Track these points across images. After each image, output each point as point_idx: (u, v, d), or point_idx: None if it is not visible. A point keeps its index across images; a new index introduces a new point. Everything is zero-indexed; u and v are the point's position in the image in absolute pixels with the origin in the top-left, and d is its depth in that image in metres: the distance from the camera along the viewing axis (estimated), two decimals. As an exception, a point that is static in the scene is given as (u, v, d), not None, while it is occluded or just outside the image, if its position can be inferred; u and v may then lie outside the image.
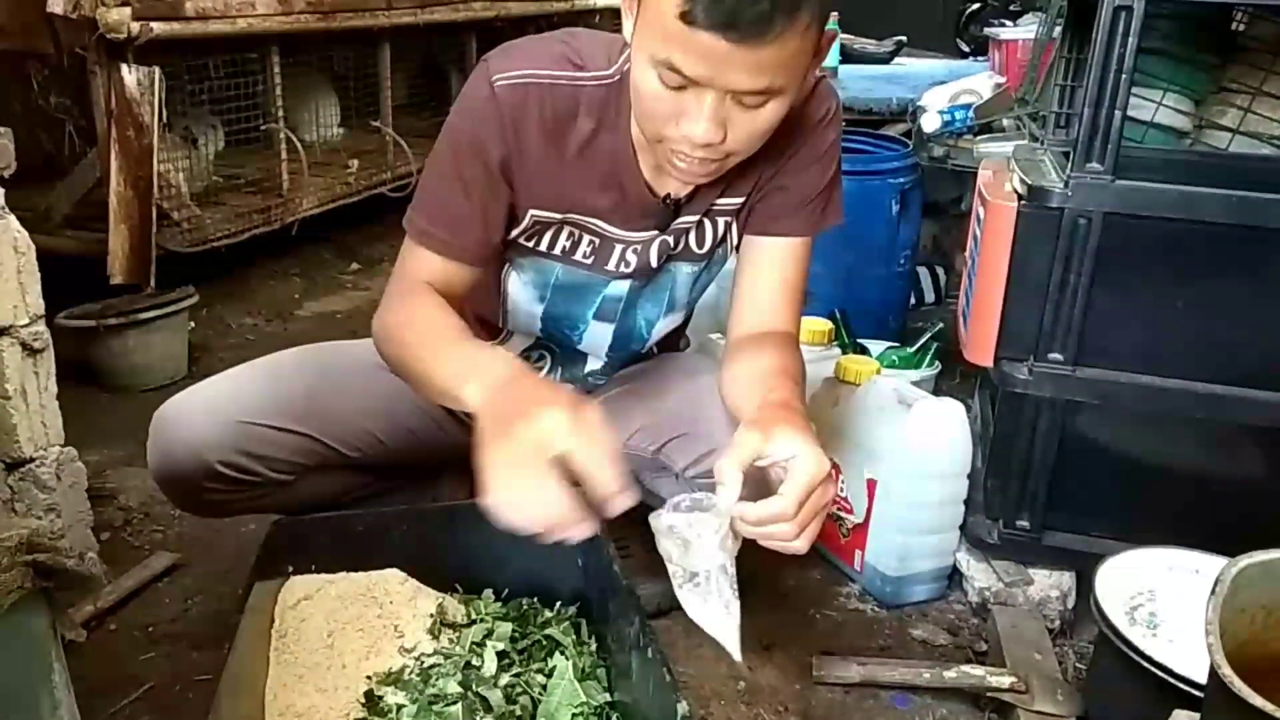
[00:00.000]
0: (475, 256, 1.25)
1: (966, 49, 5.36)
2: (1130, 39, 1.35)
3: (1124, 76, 1.37)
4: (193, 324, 2.61)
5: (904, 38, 5.07)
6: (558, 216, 1.29)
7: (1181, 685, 1.17)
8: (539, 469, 0.93)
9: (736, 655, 1.06)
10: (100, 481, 1.91)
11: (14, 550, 0.75)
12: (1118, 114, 1.38)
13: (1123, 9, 1.34)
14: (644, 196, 1.28)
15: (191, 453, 1.30)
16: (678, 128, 1.06)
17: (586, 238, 1.33)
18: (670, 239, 1.36)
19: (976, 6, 5.43)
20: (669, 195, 1.30)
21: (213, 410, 1.32)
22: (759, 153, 1.27)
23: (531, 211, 1.27)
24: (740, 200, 1.34)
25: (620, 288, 1.39)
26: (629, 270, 1.37)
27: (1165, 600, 1.38)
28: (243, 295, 3.09)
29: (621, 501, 0.95)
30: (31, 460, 1.52)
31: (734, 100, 1.03)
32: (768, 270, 1.36)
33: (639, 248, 1.35)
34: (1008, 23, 3.98)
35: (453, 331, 1.16)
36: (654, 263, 1.37)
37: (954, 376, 2.33)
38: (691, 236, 1.37)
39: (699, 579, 1.04)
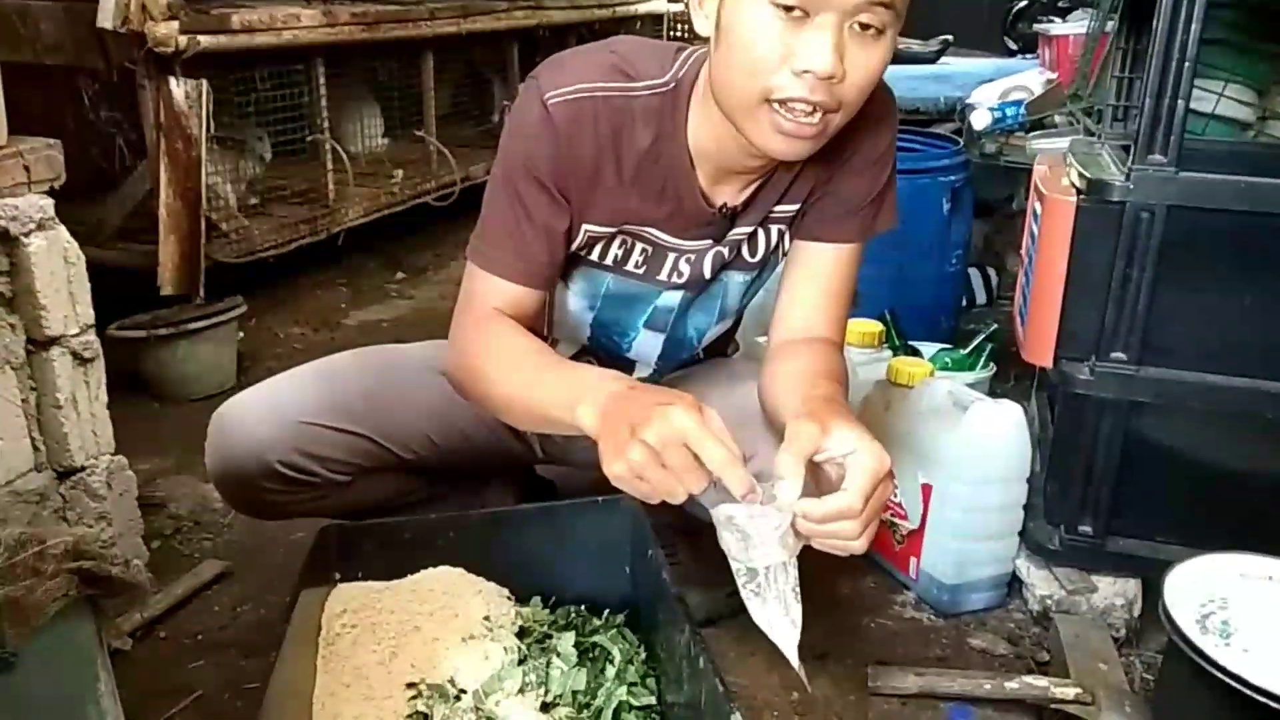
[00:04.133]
0: (542, 279, 1.24)
1: (1014, 47, 5.28)
2: (1193, 25, 1.30)
3: (1186, 65, 1.32)
4: (241, 334, 2.63)
5: (950, 37, 5.01)
6: (612, 230, 1.27)
7: (1258, 697, 1.12)
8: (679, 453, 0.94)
9: (794, 661, 1.02)
10: (150, 490, 1.92)
11: (60, 558, 0.75)
12: (1180, 103, 1.34)
13: (1185, -5, 1.30)
14: (700, 207, 1.26)
15: (251, 453, 1.30)
16: (793, 65, 1.03)
17: (639, 246, 1.31)
18: (725, 250, 1.33)
19: (1024, 4, 5.35)
20: (725, 205, 1.27)
21: (272, 410, 1.33)
22: (817, 155, 1.24)
23: (586, 227, 1.26)
24: (796, 207, 1.31)
25: (672, 298, 1.37)
26: (681, 281, 1.35)
27: (1238, 608, 1.32)
28: (290, 305, 3.11)
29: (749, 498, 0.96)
30: (83, 469, 1.53)
31: (850, 33, 1.02)
32: (815, 277, 1.33)
33: (692, 258, 1.32)
34: (1056, 19, 3.91)
35: (542, 357, 1.17)
36: (708, 274, 1.35)
37: (1008, 379, 2.28)
38: (745, 246, 1.35)
39: (759, 577, 1.00)
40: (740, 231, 1.31)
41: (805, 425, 1.01)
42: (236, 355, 2.56)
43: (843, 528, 0.97)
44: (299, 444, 1.32)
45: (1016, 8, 5.36)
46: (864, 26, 1.02)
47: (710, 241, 1.31)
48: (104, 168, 2.72)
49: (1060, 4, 4.79)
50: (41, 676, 0.77)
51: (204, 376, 2.45)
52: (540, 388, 1.12)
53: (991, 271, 3.16)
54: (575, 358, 1.46)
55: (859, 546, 0.99)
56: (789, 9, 1.01)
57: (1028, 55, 4.74)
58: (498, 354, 1.19)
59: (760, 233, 1.33)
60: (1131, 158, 1.38)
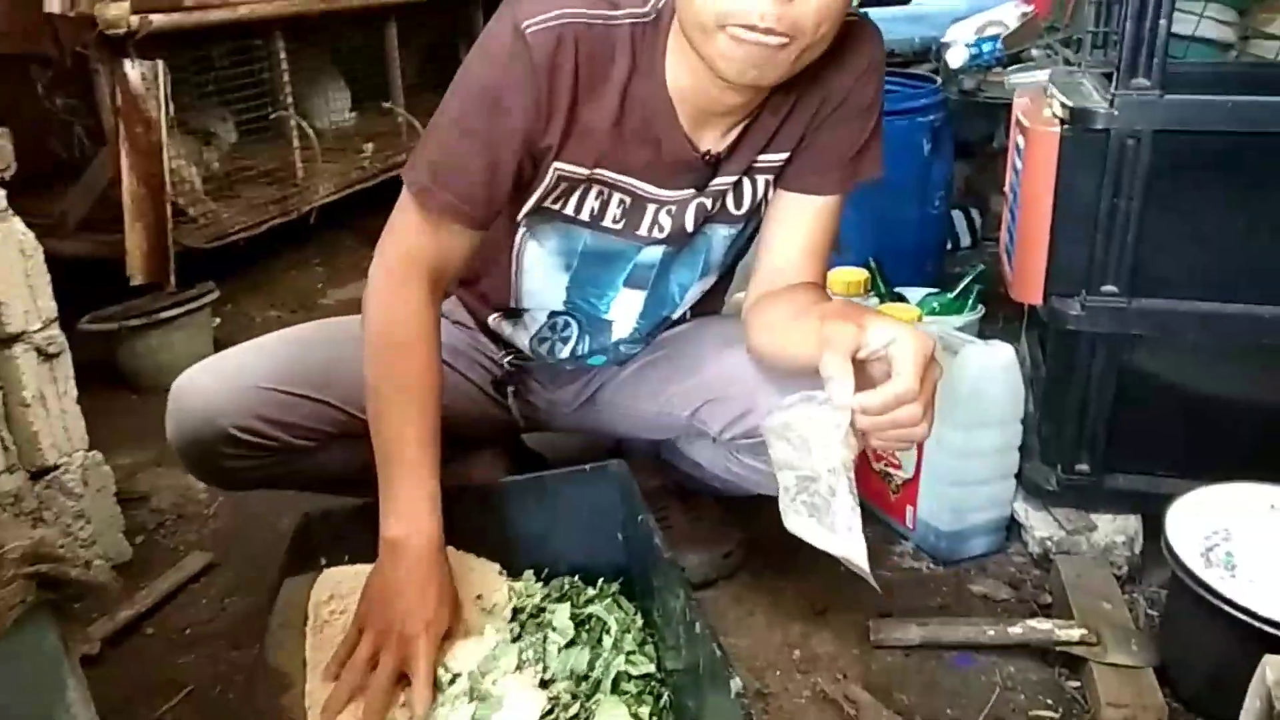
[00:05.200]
0: (481, 220, 1.18)
1: (987, -17, 5.20)
2: (1174, -59, 1.25)
3: (1168, -18, 1.27)
4: (217, 320, 2.57)
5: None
6: (584, 172, 1.20)
7: (1267, 628, 1.10)
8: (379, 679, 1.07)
9: (865, 567, 1.00)
10: (131, 485, 1.88)
11: (17, 562, 0.71)
12: (1163, 24, 1.29)
13: (1164, -90, 1.25)
14: (682, 150, 1.20)
15: (206, 418, 1.26)
16: None
17: (616, 197, 1.25)
18: (708, 201, 1.28)
19: (995, -62, 5.27)
20: (709, 151, 1.22)
21: (229, 376, 1.30)
22: (803, 101, 1.19)
23: (556, 166, 1.18)
24: (784, 156, 1.26)
25: (653, 254, 1.32)
26: (662, 235, 1.30)
27: (1241, 539, 1.30)
28: (265, 288, 3.05)
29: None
30: (56, 468, 1.49)
31: None
32: (797, 228, 1.28)
33: (673, 209, 1.27)
34: (1028, -48, 3.85)
35: (424, 430, 1.14)
36: (690, 227, 1.30)
37: (996, 320, 2.24)
38: (730, 197, 1.30)
39: (815, 486, 0.96)
40: (724, 181, 1.26)
41: (840, 325, 0.99)
42: (212, 342, 2.51)
43: (905, 414, 0.95)
44: (257, 409, 1.27)
45: (988, -58, 5.28)
46: None
47: (692, 191, 1.26)
48: (64, 157, 2.65)
49: (1032, -63, 4.72)
50: (3, 688, 0.74)
51: (180, 365, 2.33)
52: (393, 456, 1.14)
53: (975, 212, 3.12)
54: (553, 317, 1.42)
55: (923, 432, 0.97)
56: None
57: (1002, -9, 4.67)
58: (396, 379, 1.16)
59: (746, 183, 1.29)
60: (1114, 83, 1.34)
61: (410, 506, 1.13)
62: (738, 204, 1.31)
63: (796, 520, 1.00)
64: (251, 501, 1.74)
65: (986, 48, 2.57)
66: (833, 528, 0.98)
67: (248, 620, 1.50)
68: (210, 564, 1.66)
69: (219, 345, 2.51)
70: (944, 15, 3.54)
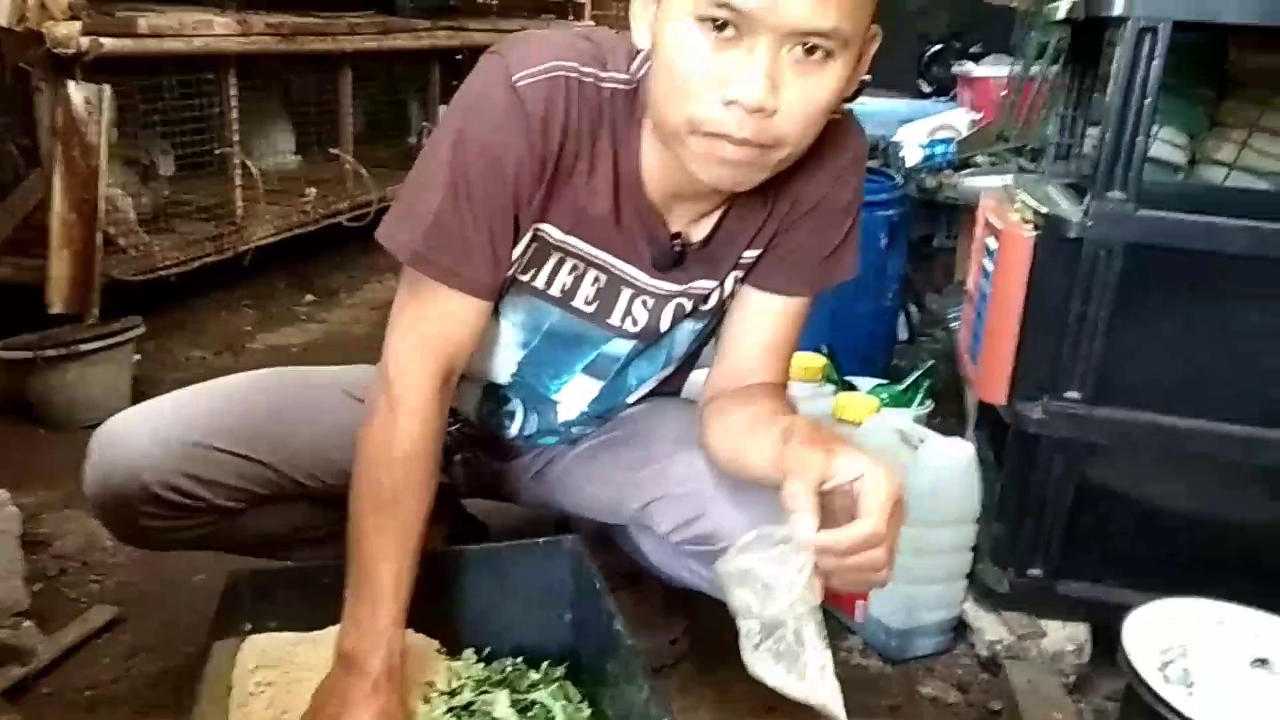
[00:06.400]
0: (484, 286, 1.10)
1: (927, 89, 5.41)
2: (1155, 62, 1.29)
3: (1148, 101, 1.31)
4: (138, 356, 2.45)
5: (867, 77, 5.09)
6: (560, 237, 1.14)
7: (1231, 752, 1.09)
8: None
9: (841, 714, 0.92)
10: (34, 527, 1.75)
11: (-69, 618, 0.62)
12: (1140, 140, 1.32)
13: (1148, 30, 1.28)
14: (653, 228, 1.14)
15: (129, 473, 1.17)
16: (722, 94, 0.92)
17: (591, 274, 1.19)
18: (687, 302, 1.23)
19: (938, 48, 5.49)
20: (680, 236, 1.16)
21: (156, 428, 1.20)
22: (781, 198, 1.15)
23: (537, 226, 1.12)
24: (756, 253, 1.20)
25: (620, 347, 1.26)
26: (634, 330, 1.23)
27: (1198, 656, 1.29)
28: (192, 327, 2.93)
29: None
30: (-43, 505, 1.37)
31: (790, 57, 0.91)
32: (760, 327, 1.22)
33: (649, 301, 1.21)
34: (970, 63, 4.00)
35: (403, 557, 1.07)
36: (664, 327, 1.24)
37: (940, 415, 2.26)
38: (714, 298, 1.24)
39: (781, 632, 0.89)
40: (705, 285, 1.21)
41: (808, 453, 0.91)
42: (132, 380, 2.38)
43: (869, 558, 0.87)
44: (183, 467, 1.18)
45: (930, 52, 5.50)
46: (807, 52, 0.91)
47: (672, 286, 1.20)
48: (-8, 175, 2.52)
49: (972, 50, 4.93)
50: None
51: (96, 402, 2.27)
52: (365, 564, 1.06)
53: (913, 308, 3.17)
54: (491, 394, 1.35)
55: (884, 577, 0.90)
56: (718, 25, 0.90)
57: (940, 98, 4.85)
58: (383, 496, 1.08)
59: (729, 282, 1.23)
60: (1090, 195, 1.36)
61: (373, 626, 1.05)
62: (706, 300, 1.25)
63: (762, 666, 0.93)
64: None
65: (939, 150, 2.63)
66: (803, 675, 0.92)
67: (156, 684, 1.39)
68: (116, 618, 1.54)
69: (138, 383, 2.41)
70: (887, 114, 3.64)
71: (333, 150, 3.49)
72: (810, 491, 0.88)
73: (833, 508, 0.90)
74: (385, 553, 1.07)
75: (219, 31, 2.70)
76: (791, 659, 0.90)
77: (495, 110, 1.04)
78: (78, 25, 2.22)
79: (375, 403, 1.11)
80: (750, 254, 1.20)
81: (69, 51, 2.22)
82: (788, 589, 0.87)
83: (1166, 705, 1.16)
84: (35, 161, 2.39)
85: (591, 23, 5.36)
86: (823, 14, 0.89)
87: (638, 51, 1.07)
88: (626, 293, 1.21)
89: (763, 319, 1.22)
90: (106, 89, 2.34)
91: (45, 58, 2.24)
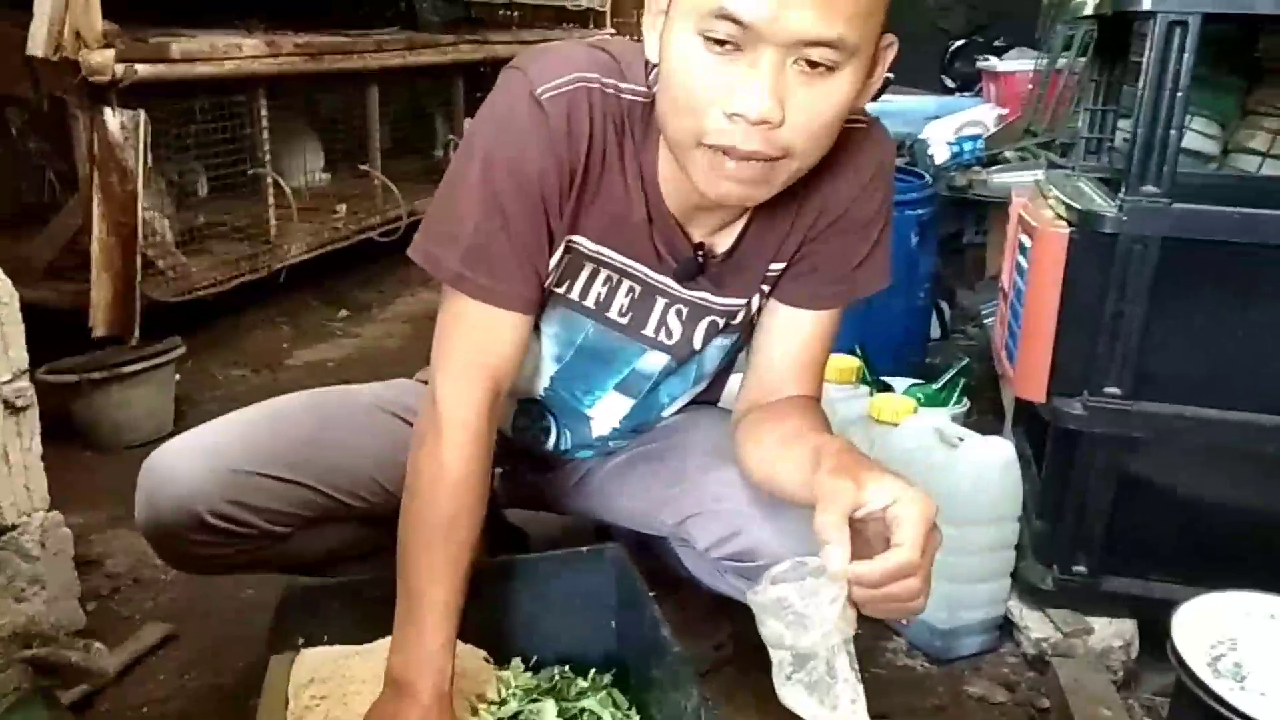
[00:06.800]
0: (524, 300, 1.10)
1: (951, 85, 5.38)
2: (1186, 55, 1.29)
3: (1180, 94, 1.30)
4: (178, 376, 2.49)
5: (890, 75, 5.08)
6: (592, 247, 1.15)
7: (1284, 745, 1.08)
8: None
9: None
10: (85, 547, 1.78)
11: (7, 643, 0.64)
12: (1173, 133, 1.32)
13: (1177, 24, 1.28)
14: (674, 238, 1.15)
15: (180, 503, 1.18)
16: (726, 106, 0.91)
17: (625, 285, 1.19)
18: (720, 320, 1.23)
19: (961, 44, 5.46)
20: (703, 245, 1.16)
21: (203, 458, 1.21)
22: (804, 210, 1.15)
23: (570, 238, 1.13)
24: (781, 266, 1.19)
25: (653, 365, 1.26)
26: (669, 343, 1.24)
27: (1248, 649, 1.28)
28: (229, 345, 2.97)
29: None
30: (14, 528, 1.40)
31: (795, 68, 0.90)
32: (790, 341, 1.21)
33: (684, 311, 1.22)
34: (994, 58, 3.98)
35: (453, 583, 1.08)
36: (697, 345, 1.25)
37: (972, 414, 2.25)
38: (742, 313, 1.24)
39: (813, 664, 0.88)
40: (734, 302, 1.21)
41: (838, 482, 0.90)
42: (174, 399, 2.42)
43: (904, 587, 0.85)
44: (232, 494, 1.20)
45: (954, 47, 5.47)
46: (811, 64, 0.89)
47: (701, 295, 1.20)
48: (33, 202, 2.57)
49: (996, 44, 4.91)
50: (-15, 783, 0.66)
51: (139, 422, 2.31)
52: (414, 591, 1.07)
53: (945, 305, 3.16)
54: (524, 409, 1.36)
55: (920, 605, 0.88)
56: (720, 42, 0.89)
57: (965, 93, 4.83)
58: (434, 525, 1.08)
59: (757, 297, 1.23)
60: (1124, 189, 1.35)
61: (421, 652, 1.06)
62: (734, 315, 1.25)
63: (794, 697, 0.92)
64: (214, 570, 1.65)
65: (967, 146, 2.62)
66: (835, 706, 0.90)
67: (210, 698, 1.41)
68: (169, 635, 1.57)
69: (180, 403, 2.44)
70: (914, 113, 3.64)
71: (362, 166, 3.53)
72: (841, 521, 0.87)
73: (866, 535, 0.89)
74: (435, 577, 1.07)
75: (249, 54, 2.73)
76: (824, 690, 0.89)
77: (520, 124, 1.05)
78: (112, 53, 2.26)
79: (424, 428, 1.11)
80: (776, 267, 1.20)
81: (104, 79, 2.26)
82: (820, 621, 0.86)
83: (1218, 699, 1.15)
84: (73, 188, 2.44)
85: (613, 31, 5.37)
86: (828, 24, 0.87)
87: (654, 66, 1.06)
88: (660, 302, 1.21)
89: (792, 333, 1.21)
90: (141, 114, 2.37)
91: (81, 86, 2.27)
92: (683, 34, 0.92)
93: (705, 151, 0.95)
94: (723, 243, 1.17)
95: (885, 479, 0.89)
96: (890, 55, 0.99)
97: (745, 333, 1.29)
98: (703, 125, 0.93)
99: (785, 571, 0.90)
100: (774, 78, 0.89)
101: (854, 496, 0.88)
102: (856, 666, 0.90)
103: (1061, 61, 2.71)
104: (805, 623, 0.87)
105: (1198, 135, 1.97)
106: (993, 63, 3.74)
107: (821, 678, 0.89)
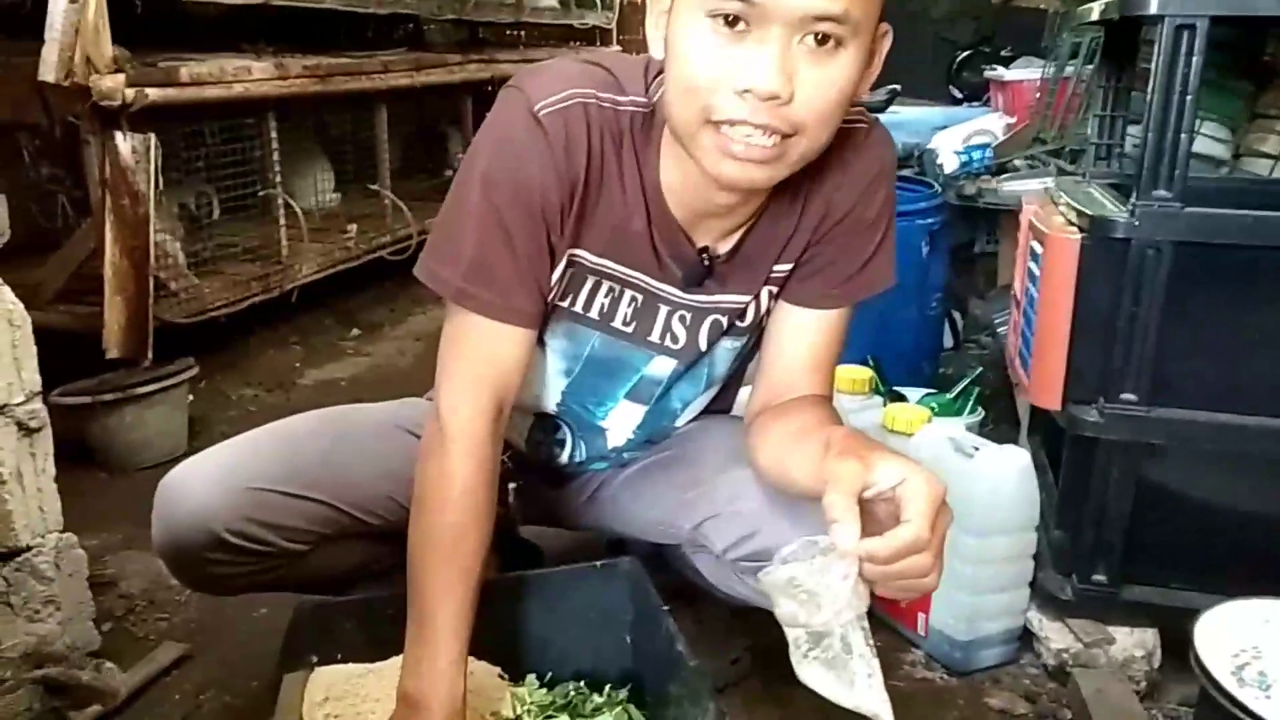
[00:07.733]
0: (526, 315, 1.12)
1: (959, 95, 5.38)
2: (1195, 58, 1.28)
3: (1189, 98, 1.29)
4: (191, 397, 2.50)
5: (897, 86, 5.08)
6: (594, 260, 1.16)
7: (1313, 754, 1.06)
8: None
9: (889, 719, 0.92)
10: (99, 568, 1.78)
11: (18, 664, 0.64)
12: (1184, 137, 1.31)
13: (1185, 27, 1.27)
14: (679, 245, 1.16)
15: (196, 521, 1.19)
16: (735, 84, 0.92)
17: (628, 295, 1.21)
18: (724, 319, 1.24)
19: (968, 54, 5.47)
20: (707, 249, 1.17)
21: (220, 476, 1.22)
22: (809, 211, 1.15)
23: (571, 251, 1.14)
24: (788, 268, 1.20)
25: (662, 369, 1.27)
26: (675, 347, 1.25)
27: (1273, 657, 1.26)
28: (242, 366, 2.98)
29: None
30: (28, 549, 1.40)
31: (802, 47, 0.92)
32: (799, 342, 1.22)
33: (687, 316, 1.23)
34: (1000, 67, 3.98)
35: (463, 598, 1.09)
36: (704, 346, 1.25)
37: (990, 422, 2.24)
38: (750, 314, 1.25)
39: (828, 641, 0.88)
40: (739, 299, 1.22)
41: (846, 463, 0.91)
42: (187, 420, 2.43)
43: (915, 563, 0.86)
44: (249, 512, 1.20)
45: (960, 58, 5.48)
46: (819, 41, 0.92)
47: (705, 298, 1.21)
48: (45, 227, 2.58)
49: (1003, 53, 4.90)
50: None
51: (153, 443, 2.32)
52: (426, 620, 1.08)
53: (957, 315, 3.15)
54: (539, 424, 1.37)
55: (932, 582, 0.89)
56: (729, 20, 0.91)
57: (973, 103, 4.82)
58: (443, 539, 1.09)
59: (764, 297, 1.24)
60: (1135, 194, 1.35)
61: (432, 670, 1.06)
62: (742, 316, 1.26)
63: (811, 674, 0.93)
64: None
65: (976, 155, 2.62)
66: (851, 683, 0.91)
67: (223, 718, 1.40)
68: (184, 655, 1.57)
69: (194, 424, 2.45)
70: (922, 123, 3.63)
71: (371, 186, 3.55)
72: (850, 500, 0.88)
73: (877, 515, 0.90)
74: (445, 592, 1.08)
75: (258, 76, 2.75)
76: (840, 667, 0.90)
77: (520, 141, 1.07)
78: (122, 78, 2.27)
79: (430, 443, 1.12)
80: (782, 268, 1.21)
81: (115, 104, 2.27)
82: (833, 598, 0.87)
83: (1244, 709, 1.13)
84: (85, 211, 2.45)
85: (619, 48, 5.40)
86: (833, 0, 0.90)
87: (653, 75, 1.10)
88: (664, 309, 1.22)
89: (801, 333, 1.22)
90: (152, 138, 2.38)
91: (92, 111, 2.29)
92: (691, 20, 0.94)
93: (713, 132, 0.97)
94: (727, 244, 1.18)
95: (893, 459, 0.91)
96: (887, 44, 1.02)
97: (755, 336, 1.30)
98: (712, 103, 0.95)
99: (796, 551, 0.91)
100: (782, 54, 0.92)
101: (862, 476, 0.89)
102: (872, 643, 0.91)
103: (1069, 69, 2.71)
104: (818, 600, 0.88)
105: (1208, 139, 1.96)
106: (1000, 72, 3.74)
107: (838, 655, 0.89)
